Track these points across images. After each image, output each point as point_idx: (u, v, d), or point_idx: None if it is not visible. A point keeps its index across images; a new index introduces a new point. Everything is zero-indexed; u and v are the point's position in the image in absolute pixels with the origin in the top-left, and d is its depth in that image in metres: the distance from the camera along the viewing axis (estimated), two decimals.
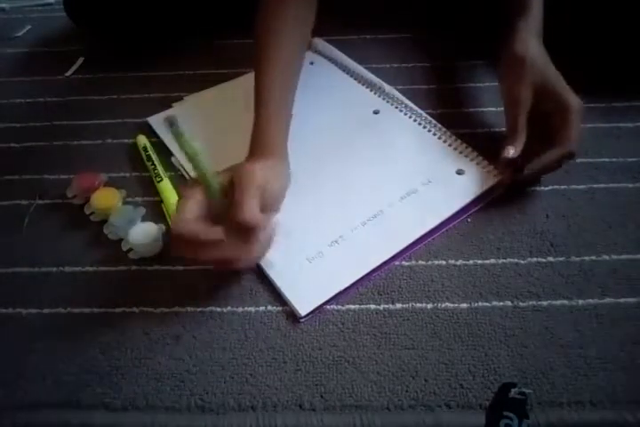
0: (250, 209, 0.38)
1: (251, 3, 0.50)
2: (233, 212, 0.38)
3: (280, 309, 0.42)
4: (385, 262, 0.44)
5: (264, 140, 0.46)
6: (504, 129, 0.50)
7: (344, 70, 0.62)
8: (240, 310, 0.42)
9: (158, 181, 0.50)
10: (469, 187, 0.48)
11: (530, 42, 0.49)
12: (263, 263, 0.44)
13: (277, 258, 0.44)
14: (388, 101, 0.57)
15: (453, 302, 0.42)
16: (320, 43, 0.65)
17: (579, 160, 0.51)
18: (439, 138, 0.53)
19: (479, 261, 0.44)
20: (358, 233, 0.46)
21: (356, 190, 0.49)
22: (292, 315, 0.42)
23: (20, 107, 0.63)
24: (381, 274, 0.44)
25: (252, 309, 0.42)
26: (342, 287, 0.42)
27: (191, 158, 0.37)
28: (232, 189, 0.40)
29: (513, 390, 0.36)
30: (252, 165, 0.42)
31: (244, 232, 0.39)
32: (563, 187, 0.49)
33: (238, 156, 0.53)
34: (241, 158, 0.52)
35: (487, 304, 0.42)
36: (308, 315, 0.41)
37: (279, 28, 0.49)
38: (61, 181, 0.52)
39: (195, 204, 0.39)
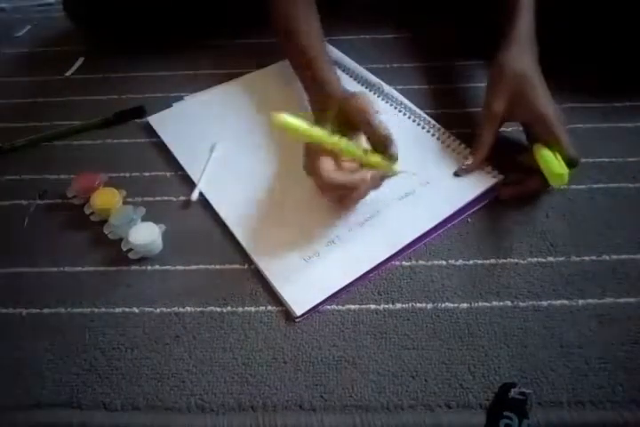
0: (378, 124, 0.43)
1: (251, 3, 0.50)
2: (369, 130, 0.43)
3: (280, 309, 0.42)
4: (381, 263, 0.44)
5: (326, 88, 0.48)
6: (504, 129, 0.50)
7: (344, 70, 0.61)
8: (240, 310, 0.42)
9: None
10: (467, 188, 0.48)
11: (512, 51, 0.48)
12: (260, 263, 0.44)
13: (273, 257, 0.44)
14: (387, 102, 0.57)
15: (453, 302, 0.42)
16: None
17: None
18: (438, 139, 0.53)
19: (479, 261, 0.44)
20: (355, 233, 0.46)
21: None
22: (291, 315, 0.42)
23: (20, 107, 0.63)
24: (381, 274, 0.44)
25: (252, 309, 0.42)
26: (338, 288, 0.42)
27: (323, 142, 0.40)
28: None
29: (513, 390, 0.36)
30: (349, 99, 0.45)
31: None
32: (563, 187, 0.49)
33: (238, 154, 0.54)
34: (241, 157, 0.53)
35: (487, 304, 0.42)
36: (303, 315, 0.41)
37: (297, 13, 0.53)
38: (61, 181, 0.52)
39: (327, 160, 0.42)
